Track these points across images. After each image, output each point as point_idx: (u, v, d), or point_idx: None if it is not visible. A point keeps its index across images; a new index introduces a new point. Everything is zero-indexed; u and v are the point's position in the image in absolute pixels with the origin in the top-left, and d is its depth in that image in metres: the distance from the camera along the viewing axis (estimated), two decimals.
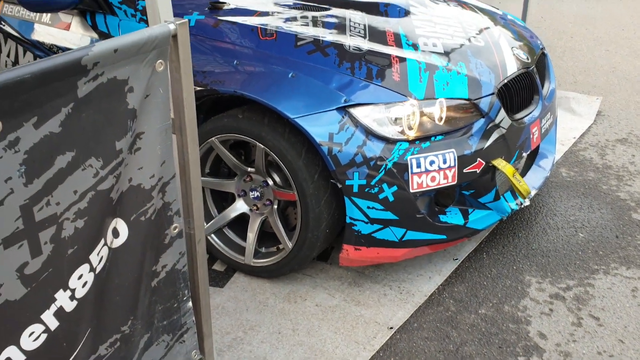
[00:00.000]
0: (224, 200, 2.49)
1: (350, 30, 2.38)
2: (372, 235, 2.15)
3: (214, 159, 2.39)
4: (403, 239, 2.17)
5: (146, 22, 2.44)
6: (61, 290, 1.19)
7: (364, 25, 2.44)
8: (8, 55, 2.79)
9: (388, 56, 2.23)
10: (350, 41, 2.29)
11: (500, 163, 2.23)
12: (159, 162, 1.35)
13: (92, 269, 1.25)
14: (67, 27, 2.59)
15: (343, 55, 2.21)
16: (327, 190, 2.14)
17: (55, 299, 1.19)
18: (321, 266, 2.47)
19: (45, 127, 1.07)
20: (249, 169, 2.31)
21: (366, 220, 2.12)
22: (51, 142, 1.09)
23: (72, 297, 1.22)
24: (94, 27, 2.52)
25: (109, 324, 1.36)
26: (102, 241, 1.27)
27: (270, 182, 2.28)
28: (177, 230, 1.45)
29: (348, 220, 2.13)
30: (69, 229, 1.17)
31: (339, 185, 2.08)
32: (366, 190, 2.07)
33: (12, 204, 1.05)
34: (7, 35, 2.76)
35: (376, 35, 2.37)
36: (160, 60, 1.28)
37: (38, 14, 2.65)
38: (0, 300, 1.08)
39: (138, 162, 1.31)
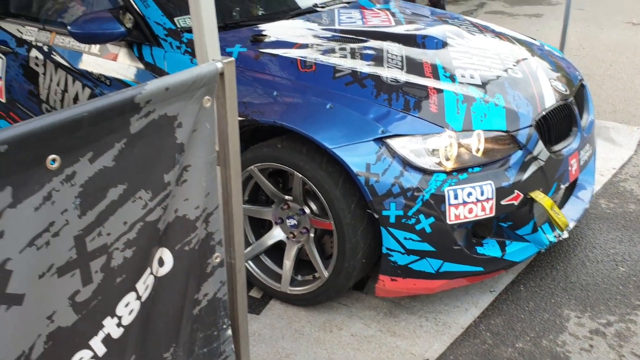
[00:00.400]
0: (261, 227, 2.53)
1: (388, 62, 2.42)
2: (409, 266, 2.15)
3: (252, 187, 2.44)
4: (440, 271, 2.17)
5: (190, 54, 2.52)
6: (109, 318, 1.24)
7: (402, 57, 2.47)
8: (58, 84, 2.91)
9: (425, 88, 2.26)
10: (388, 73, 2.33)
11: (538, 195, 2.21)
12: (204, 193, 1.39)
13: (138, 297, 1.29)
14: (115, 58, 2.70)
15: (380, 86, 2.24)
16: (364, 220, 2.16)
17: (103, 326, 1.23)
18: (357, 295, 2.47)
19: (100, 162, 1.13)
20: (287, 197, 2.35)
21: (403, 251, 2.12)
22: (105, 175, 1.14)
23: (119, 324, 1.26)
24: (140, 58, 2.62)
25: (153, 351, 1.40)
26: (149, 270, 1.31)
27: (307, 211, 2.31)
28: (218, 259, 1.49)
29: (384, 251, 2.14)
30: (118, 258, 1.22)
31: (376, 216, 2.10)
32: (403, 221, 2.08)
33: (67, 234, 1.10)
34: (58, 65, 2.88)
35: (413, 67, 2.40)
36: (207, 97, 1.33)
37: (87, 45, 2.76)
38: (53, 327, 1.13)
39: (184, 194, 1.35)
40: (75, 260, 1.13)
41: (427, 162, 2.09)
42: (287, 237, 2.41)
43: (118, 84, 2.65)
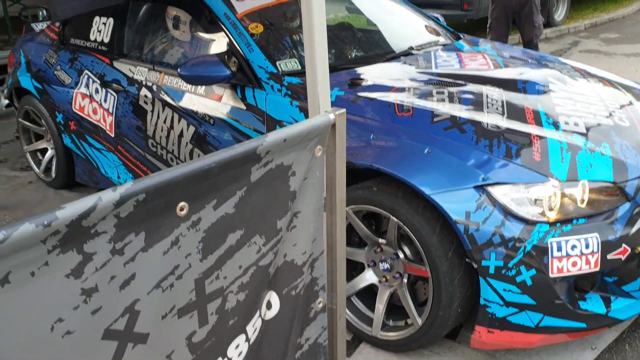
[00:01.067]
0: (353, 269, 2.54)
1: (488, 107, 2.40)
2: (507, 318, 2.08)
3: (346, 229, 2.45)
4: (539, 325, 2.09)
5: (291, 96, 2.60)
6: (220, 358, 1.28)
7: (502, 102, 2.44)
8: (164, 122, 3.09)
9: (528, 135, 2.21)
10: (488, 118, 2.30)
11: None
12: (311, 239, 1.43)
13: (247, 339, 1.33)
14: (219, 99, 2.83)
15: (481, 132, 2.22)
16: (461, 268, 2.12)
17: None
18: (449, 344, 2.41)
19: (222, 209, 1.18)
20: (380, 240, 2.35)
21: (501, 302, 2.06)
22: (226, 221, 1.20)
23: None
24: (243, 99, 2.74)
25: None
26: (258, 313, 1.35)
27: (401, 255, 2.30)
28: (321, 304, 1.51)
29: (482, 302, 2.08)
30: (232, 301, 1.26)
31: (475, 265, 2.05)
32: (503, 272, 2.03)
33: (189, 277, 1.16)
34: (165, 104, 3.06)
35: (515, 112, 2.37)
36: (319, 146, 1.37)
37: (194, 86, 2.92)
38: None
39: (293, 239, 1.39)
40: (195, 302, 1.19)
41: (530, 212, 2.04)
42: (380, 281, 2.40)
43: (221, 123, 2.77)
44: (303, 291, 1.45)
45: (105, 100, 3.43)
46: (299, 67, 2.80)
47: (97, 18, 3.68)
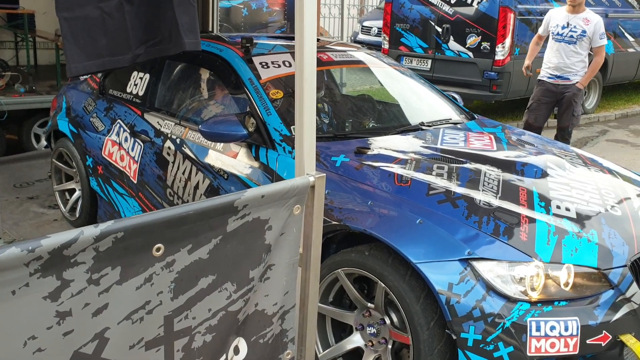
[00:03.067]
0: (342, 330, 2.60)
1: (484, 185, 2.50)
2: None
3: (337, 290, 2.53)
4: None
5: None
6: None
7: (498, 182, 2.54)
8: (183, 173, 3.27)
9: (518, 215, 2.30)
10: (482, 196, 2.40)
11: (629, 340, 2.11)
12: (284, 291, 1.53)
13: None
14: (235, 156, 3.00)
15: (472, 208, 2.31)
16: (442, 339, 2.17)
17: None
18: None
19: (196, 254, 1.31)
20: (369, 305, 2.42)
21: None
22: (199, 266, 1.32)
23: None
24: (257, 158, 2.90)
25: None
26: (225, 356, 1.44)
27: (388, 321, 2.36)
28: (289, 356, 1.59)
29: None
30: (199, 341, 1.36)
31: (454, 337, 2.10)
32: (481, 346, 2.07)
33: (159, 313, 1.27)
34: (186, 157, 3.25)
35: (509, 192, 2.46)
36: (297, 205, 1.50)
37: (214, 143, 3.10)
38: None
39: (265, 290, 1.50)
40: (162, 337, 1.29)
41: (512, 290, 2.10)
42: (366, 345, 2.45)
43: (234, 179, 2.93)
44: (272, 340, 1.54)
45: (132, 149, 3.65)
46: None
47: (135, 72, 3.96)
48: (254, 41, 3.42)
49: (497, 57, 7.42)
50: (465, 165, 2.70)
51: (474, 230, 2.22)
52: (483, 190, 2.46)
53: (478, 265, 2.13)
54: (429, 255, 2.17)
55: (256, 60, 3.27)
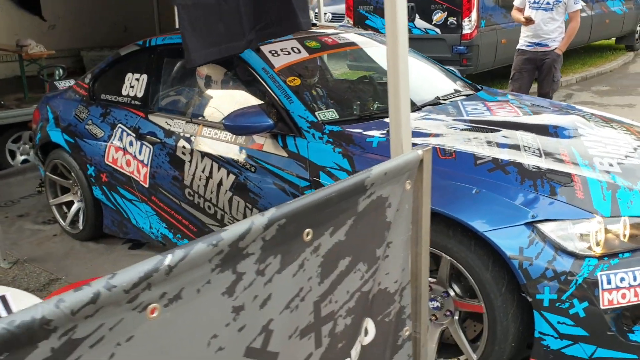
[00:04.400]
0: None
1: (525, 150, 2.53)
2: (561, 351, 2.15)
3: None
4: (593, 357, 2.15)
5: (332, 143, 2.73)
6: None
7: (537, 145, 2.58)
8: (203, 171, 3.18)
9: (568, 175, 2.34)
10: (528, 160, 2.43)
11: None
12: (401, 268, 1.51)
13: None
14: (260, 147, 2.94)
15: (524, 173, 2.34)
16: (514, 303, 2.19)
17: None
18: None
19: (336, 236, 1.27)
20: (429, 279, 2.42)
21: (556, 335, 2.13)
22: (339, 248, 1.28)
23: None
24: (284, 147, 2.85)
25: None
26: (359, 338, 1.42)
27: (452, 293, 2.37)
28: (407, 332, 1.58)
29: (537, 335, 2.15)
30: (341, 324, 1.34)
31: (529, 299, 2.13)
32: (557, 305, 2.11)
33: (310, 300, 1.24)
34: (204, 154, 3.16)
35: (551, 154, 2.50)
36: (409, 181, 1.48)
37: (234, 136, 3.03)
38: None
39: (386, 268, 1.47)
40: (313, 324, 1.26)
41: (579, 247, 2.14)
42: (430, 319, 2.46)
43: (263, 171, 2.88)
44: (394, 318, 1.52)
45: (140, 152, 3.53)
46: (337, 117, 2.94)
47: (129, 74, 3.82)
48: None
49: (464, 31, 7.53)
50: (501, 133, 2.72)
51: (532, 193, 2.25)
52: (527, 154, 2.49)
53: (543, 227, 2.17)
54: (494, 223, 2.19)
55: (264, 49, 3.21)
